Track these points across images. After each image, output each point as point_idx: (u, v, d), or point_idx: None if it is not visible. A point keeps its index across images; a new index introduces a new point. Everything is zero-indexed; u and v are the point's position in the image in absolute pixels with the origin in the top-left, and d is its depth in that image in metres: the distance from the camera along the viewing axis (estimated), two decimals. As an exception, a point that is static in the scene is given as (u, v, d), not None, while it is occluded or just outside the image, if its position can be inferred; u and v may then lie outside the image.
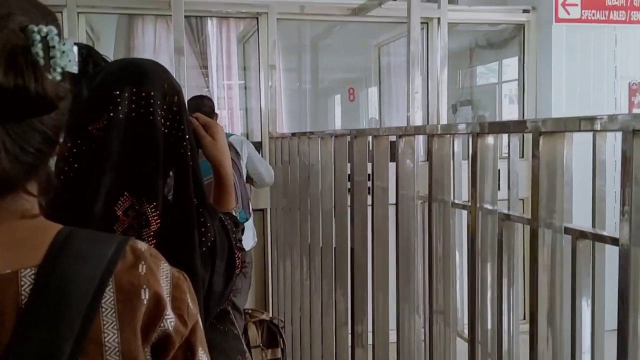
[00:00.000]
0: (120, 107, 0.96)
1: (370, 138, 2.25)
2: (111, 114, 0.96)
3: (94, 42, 4.10)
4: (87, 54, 1.18)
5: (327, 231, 2.66)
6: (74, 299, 0.63)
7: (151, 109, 0.97)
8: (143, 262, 0.69)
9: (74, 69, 0.64)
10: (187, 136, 1.01)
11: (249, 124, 4.52)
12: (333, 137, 2.60)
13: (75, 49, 0.64)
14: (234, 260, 1.10)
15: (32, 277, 0.63)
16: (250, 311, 3.36)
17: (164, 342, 0.69)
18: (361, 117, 6.46)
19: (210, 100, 3.26)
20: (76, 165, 0.94)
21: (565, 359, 1.47)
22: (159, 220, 0.97)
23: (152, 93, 0.98)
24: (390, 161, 2.24)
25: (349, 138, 2.42)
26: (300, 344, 3.17)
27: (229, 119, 4.58)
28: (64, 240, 0.65)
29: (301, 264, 3.07)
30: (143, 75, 0.99)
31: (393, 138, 2.09)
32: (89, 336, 0.63)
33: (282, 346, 3.25)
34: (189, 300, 0.73)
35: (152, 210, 0.97)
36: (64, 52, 0.62)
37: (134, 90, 0.97)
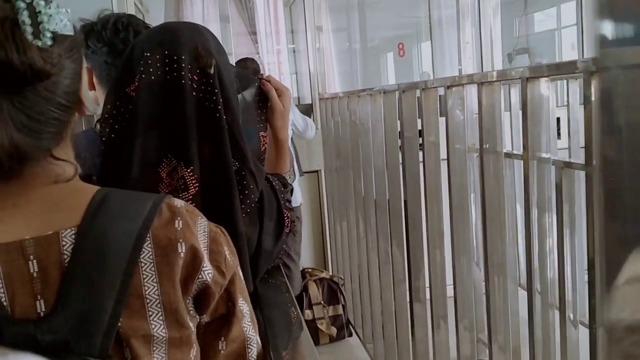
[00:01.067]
0: (151, 69, 0.97)
1: (418, 92, 2.21)
2: (143, 76, 0.97)
3: (144, 15, 4.17)
4: (127, 22, 1.21)
5: (381, 189, 2.67)
6: (113, 255, 0.65)
7: (182, 73, 0.98)
8: (179, 218, 0.71)
9: (67, 30, 0.65)
10: (221, 100, 1.01)
11: (300, 87, 4.53)
12: (382, 94, 2.57)
13: (64, 10, 0.64)
14: (283, 219, 1.12)
15: (73, 237, 0.66)
16: (310, 270, 3.43)
17: (204, 292, 0.72)
18: (415, 73, 6.35)
19: (253, 61, 3.27)
20: (116, 127, 0.97)
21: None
22: (197, 184, 0.98)
23: (183, 57, 0.98)
24: (440, 116, 2.21)
25: (397, 94, 2.39)
26: (360, 300, 3.22)
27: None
28: (101, 201, 0.68)
29: (357, 222, 3.09)
30: (173, 38, 1.00)
31: (442, 91, 2.05)
32: (129, 290, 0.66)
33: (343, 302, 3.32)
34: (227, 252, 0.76)
35: (190, 174, 0.98)
36: (51, 15, 0.62)
37: (165, 52, 0.98)
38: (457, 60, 3.41)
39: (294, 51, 4.73)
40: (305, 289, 3.27)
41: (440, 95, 2.24)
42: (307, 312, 3.24)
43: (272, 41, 4.68)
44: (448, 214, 2.02)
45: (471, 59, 3.33)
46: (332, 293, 3.32)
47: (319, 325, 3.24)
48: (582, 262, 2.55)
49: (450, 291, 2.06)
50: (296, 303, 1.20)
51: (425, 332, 2.29)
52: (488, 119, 1.79)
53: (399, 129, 2.41)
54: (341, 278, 3.44)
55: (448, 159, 2.02)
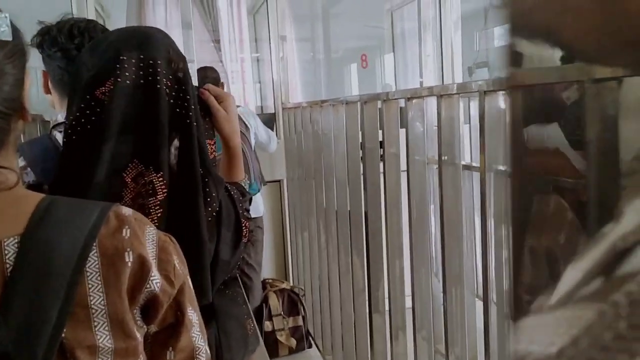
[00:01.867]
0: (127, 74, 0.96)
1: (379, 103, 2.23)
2: (118, 79, 0.95)
3: (105, 20, 4.11)
4: (84, 27, 1.18)
5: (342, 200, 2.67)
6: (58, 264, 0.64)
7: (157, 77, 0.97)
8: (127, 226, 0.70)
9: (5, 36, 0.63)
10: (192, 106, 1.00)
11: (263, 96, 4.51)
12: (344, 104, 2.58)
13: (3, 15, 0.63)
14: (241, 229, 1.11)
15: (16, 245, 0.64)
16: (270, 281, 3.41)
17: (152, 302, 0.71)
18: (378, 85, 6.41)
19: (214, 70, 3.25)
20: (78, 130, 0.94)
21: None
22: (165, 190, 0.97)
23: (158, 61, 0.98)
24: (401, 127, 2.24)
25: (359, 104, 2.40)
26: (320, 311, 3.21)
27: (243, 91, 4.57)
28: (46, 209, 0.66)
29: (318, 233, 3.09)
30: (148, 42, 0.99)
31: (403, 103, 2.07)
32: (75, 300, 0.64)
33: (303, 313, 3.30)
34: (176, 261, 0.75)
35: (159, 180, 0.97)
36: None
37: (140, 56, 0.97)
38: (419, 72, 3.46)
39: (257, 60, 4.72)
40: (265, 299, 3.25)
41: (401, 107, 2.26)
42: (267, 323, 3.21)
43: (235, 49, 4.66)
44: (407, 225, 2.04)
45: (432, 72, 3.37)
46: (293, 304, 3.30)
47: (278, 337, 3.21)
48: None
49: (409, 302, 2.07)
50: (252, 315, 1.19)
51: (384, 343, 2.30)
52: (447, 131, 1.81)
53: (360, 140, 2.43)
54: (301, 289, 3.42)
55: (408, 171, 2.04)
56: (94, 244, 0.66)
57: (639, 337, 0.19)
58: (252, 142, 3.18)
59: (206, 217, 1.03)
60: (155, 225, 0.95)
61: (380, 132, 2.27)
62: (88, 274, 0.66)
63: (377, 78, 6.38)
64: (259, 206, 3.15)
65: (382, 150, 2.27)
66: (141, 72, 0.96)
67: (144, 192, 0.96)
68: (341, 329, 2.77)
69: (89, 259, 0.66)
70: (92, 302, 0.66)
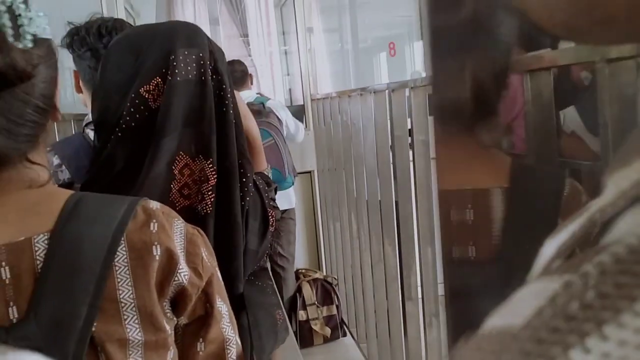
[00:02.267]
0: (177, 71, 0.97)
1: (407, 91, 2.22)
2: (168, 78, 0.97)
3: (134, 19, 4.17)
4: (112, 27, 1.22)
5: (372, 189, 2.68)
6: (87, 260, 0.65)
7: (203, 70, 0.99)
8: (155, 220, 0.71)
9: (46, 34, 0.65)
10: (228, 94, 1.03)
11: (292, 88, 4.53)
12: (372, 93, 2.58)
13: (42, 14, 0.65)
14: (268, 218, 1.13)
15: (45, 242, 0.65)
16: (303, 271, 3.44)
17: (181, 294, 0.73)
18: (407, 73, 6.36)
19: (241, 63, 3.27)
20: (124, 126, 0.97)
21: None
22: (216, 175, 1.00)
23: (203, 55, 1.00)
24: (429, 115, 2.22)
25: (387, 93, 2.40)
26: (354, 300, 3.23)
27: (272, 84, 4.60)
28: (74, 205, 0.68)
29: (350, 222, 3.10)
30: (194, 38, 1.01)
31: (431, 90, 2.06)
32: (104, 294, 0.65)
33: (337, 302, 3.32)
34: (204, 254, 0.76)
35: (210, 166, 1.00)
36: (31, 18, 0.63)
37: (187, 53, 0.98)
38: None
39: (285, 53, 4.73)
40: (299, 289, 3.28)
41: (429, 94, 2.25)
42: (301, 312, 3.24)
43: (263, 43, 4.69)
44: (438, 212, 2.03)
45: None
46: (326, 293, 3.32)
47: (312, 326, 3.24)
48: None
49: (441, 289, 2.07)
50: (282, 306, 1.21)
51: (418, 330, 2.30)
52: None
53: (389, 129, 2.42)
54: (335, 278, 3.45)
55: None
56: (122, 239, 0.68)
57: (608, 305, 0.18)
58: (284, 134, 3.21)
59: (243, 205, 1.05)
60: (209, 210, 0.98)
61: (409, 120, 2.27)
62: (117, 268, 0.67)
63: (406, 66, 6.33)
64: (291, 198, 3.18)
65: (411, 138, 2.26)
66: (192, 68, 0.98)
67: (190, 181, 0.99)
68: (375, 317, 2.78)
69: (117, 253, 0.67)
70: (121, 296, 0.67)
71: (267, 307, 1.11)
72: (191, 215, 0.98)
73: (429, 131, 2.16)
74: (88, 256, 0.65)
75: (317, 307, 3.28)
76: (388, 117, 2.43)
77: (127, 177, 0.95)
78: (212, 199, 1.00)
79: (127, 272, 0.68)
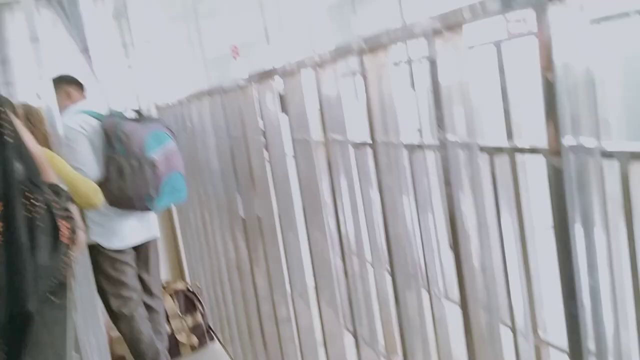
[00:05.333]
0: None
1: (243, 89, 2.20)
2: None
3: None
4: None
5: (219, 192, 2.67)
6: None
7: None
8: None
9: None
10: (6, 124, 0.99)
11: (138, 100, 4.40)
12: (208, 96, 2.57)
13: None
14: (58, 230, 1.08)
15: None
16: (165, 284, 3.35)
17: None
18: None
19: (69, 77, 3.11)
20: None
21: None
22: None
23: None
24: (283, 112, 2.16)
25: (221, 95, 2.40)
26: (216, 304, 3.20)
27: (114, 97, 4.44)
28: None
29: (204, 226, 3.07)
30: None
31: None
32: None
33: (201, 310, 3.28)
34: None
35: None
36: None
37: None
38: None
39: (129, 66, 4.59)
40: (160, 303, 3.19)
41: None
42: (166, 326, 3.15)
43: (104, 57, 4.52)
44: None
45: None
46: (189, 302, 3.27)
47: (178, 338, 3.18)
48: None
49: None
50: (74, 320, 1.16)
51: (275, 325, 2.31)
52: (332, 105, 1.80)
53: (227, 129, 2.42)
54: (198, 286, 3.40)
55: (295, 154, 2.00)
56: None
57: None
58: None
59: (32, 219, 1.00)
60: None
61: (260, 120, 2.23)
62: None
63: (254, 67, 6.40)
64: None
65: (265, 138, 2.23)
66: None
67: None
68: (235, 318, 2.78)
69: None
70: None
71: (55, 325, 1.05)
72: None
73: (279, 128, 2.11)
74: None
75: (181, 317, 3.22)
76: (224, 118, 2.42)
77: None
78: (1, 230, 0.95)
79: None
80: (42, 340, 0.97)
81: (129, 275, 2.82)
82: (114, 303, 2.79)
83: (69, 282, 1.14)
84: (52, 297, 1.07)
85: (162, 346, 2.90)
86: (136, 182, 2.64)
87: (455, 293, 2.92)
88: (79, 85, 2.92)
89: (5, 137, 1.00)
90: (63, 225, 1.07)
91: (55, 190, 1.15)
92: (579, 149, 0.96)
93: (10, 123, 1.02)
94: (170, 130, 2.86)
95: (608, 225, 1.02)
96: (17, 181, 1.00)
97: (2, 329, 0.94)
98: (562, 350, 2.39)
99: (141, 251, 2.89)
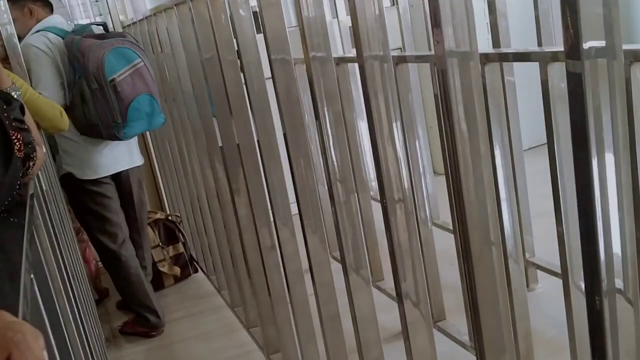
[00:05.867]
0: None
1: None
2: None
3: None
4: None
5: (194, 117, 2.50)
6: None
7: None
8: None
9: None
10: None
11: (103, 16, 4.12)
12: (174, 7, 2.33)
13: None
14: (10, 142, 0.94)
15: None
16: (144, 214, 3.23)
17: None
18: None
19: None
20: None
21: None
22: None
23: None
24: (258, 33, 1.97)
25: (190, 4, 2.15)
26: (197, 234, 3.11)
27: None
28: None
29: (180, 153, 2.93)
30: None
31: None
32: None
33: (183, 240, 3.19)
34: None
35: None
36: None
37: None
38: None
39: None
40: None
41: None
42: (151, 261, 3.05)
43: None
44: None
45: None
46: (170, 232, 3.17)
47: (160, 268, 3.10)
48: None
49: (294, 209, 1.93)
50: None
51: (258, 255, 2.23)
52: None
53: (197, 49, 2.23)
54: (177, 216, 3.29)
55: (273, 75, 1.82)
56: None
57: None
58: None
59: None
60: None
61: (234, 40, 2.03)
62: None
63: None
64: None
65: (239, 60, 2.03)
66: None
67: None
68: (218, 248, 2.70)
69: None
70: None
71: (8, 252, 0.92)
72: None
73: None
74: None
75: (162, 248, 3.12)
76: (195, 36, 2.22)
77: None
78: None
79: None
80: None
81: (111, 210, 2.64)
82: (99, 238, 2.65)
83: (26, 201, 1.01)
84: (8, 217, 0.95)
85: (149, 284, 2.79)
86: (98, 108, 2.38)
87: (441, 218, 2.88)
88: (44, 2, 2.61)
89: None
90: (16, 137, 0.93)
91: (6, 99, 0.99)
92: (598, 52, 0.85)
93: None
94: (138, 46, 2.53)
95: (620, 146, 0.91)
96: None
97: None
98: (552, 273, 2.37)
99: (122, 182, 2.69)
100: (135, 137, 2.72)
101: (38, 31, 2.51)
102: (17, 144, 0.95)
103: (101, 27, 2.63)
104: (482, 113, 1.28)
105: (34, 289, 0.79)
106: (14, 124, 0.96)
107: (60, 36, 2.50)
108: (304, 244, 1.87)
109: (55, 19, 2.58)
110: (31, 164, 1.01)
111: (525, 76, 2.41)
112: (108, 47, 2.39)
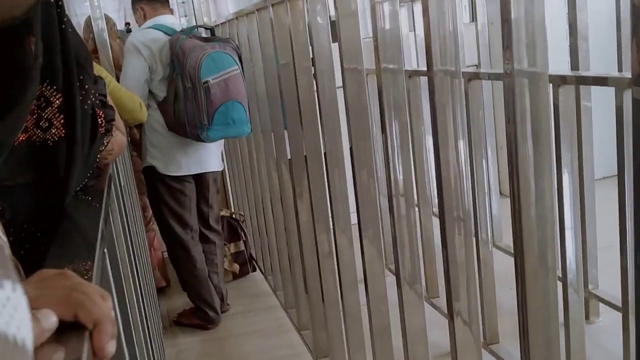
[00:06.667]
0: None
1: (287, 4, 2.03)
2: None
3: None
4: None
5: (266, 127, 2.58)
6: None
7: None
8: None
9: None
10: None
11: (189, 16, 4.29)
12: (256, 11, 2.41)
13: None
14: (96, 118, 1.00)
15: None
16: (209, 210, 3.34)
17: None
18: None
19: None
20: None
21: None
22: (60, 97, 0.88)
23: None
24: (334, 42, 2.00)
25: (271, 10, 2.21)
26: (259, 234, 3.19)
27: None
28: None
29: (250, 156, 3.01)
30: None
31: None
32: None
33: (244, 238, 3.27)
34: None
35: (49, 88, 0.87)
36: None
37: None
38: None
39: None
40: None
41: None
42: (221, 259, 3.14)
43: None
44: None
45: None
46: (233, 230, 3.26)
47: (220, 264, 3.19)
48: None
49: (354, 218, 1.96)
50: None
51: (315, 260, 2.27)
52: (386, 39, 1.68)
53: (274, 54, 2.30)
54: (241, 214, 3.38)
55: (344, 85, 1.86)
56: None
57: None
58: None
59: (86, 110, 0.94)
60: (62, 134, 0.87)
61: (310, 48, 2.08)
62: None
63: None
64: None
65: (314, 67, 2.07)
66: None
67: (35, 107, 0.87)
68: (277, 250, 2.76)
69: None
70: None
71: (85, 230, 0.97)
72: (33, 149, 0.86)
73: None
74: None
75: (225, 244, 3.22)
76: (273, 40, 2.29)
77: None
78: (61, 122, 0.88)
79: None
80: (72, 232, 0.91)
81: (186, 207, 2.74)
82: (171, 229, 2.74)
83: (103, 187, 1.06)
84: (84, 194, 1.00)
85: (216, 280, 2.86)
86: (187, 106, 2.48)
87: (502, 240, 2.83)
88: (155, 1, 2.72)
89: (64, 25, 0.91)
90: (99, 115, 0.99)
91: (95, 79, 1.06)
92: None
93: (63, 9, 0.92)
94: (238, 54, 2.61)
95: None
96: (75, 72, 0.92)
97: (37, 218, 0.89)
98: (614, 307, 2.28)
99: (201, 183, 2.79)
100: (222, 143, 2.83)
101: (145, 27, 2.66)
102: (100, 120, 0.99)
103: (209, 31, 2.76)
104: (550, 136, 1.27)
105: (106, 262, 0.85)
106: (99, 100, 1.01)
107: (168, 34, 2.62)
108: (360, 254, 1.90)
109: (166, 18, 2.71)
110: (106, 141, 1.05)
111: (605, 102, 2.34)
112: (209, 49, 2.49)
